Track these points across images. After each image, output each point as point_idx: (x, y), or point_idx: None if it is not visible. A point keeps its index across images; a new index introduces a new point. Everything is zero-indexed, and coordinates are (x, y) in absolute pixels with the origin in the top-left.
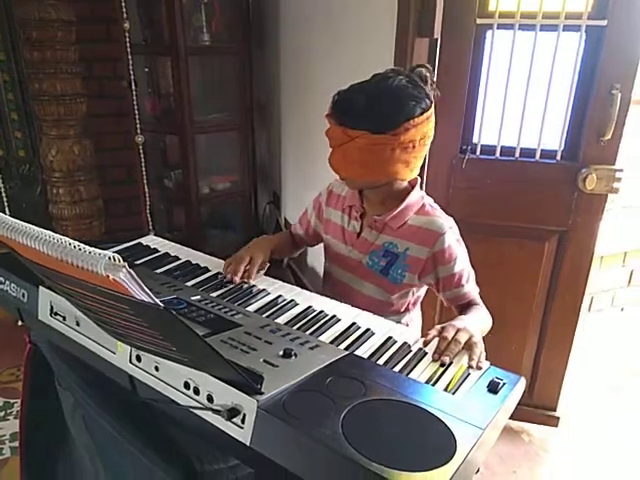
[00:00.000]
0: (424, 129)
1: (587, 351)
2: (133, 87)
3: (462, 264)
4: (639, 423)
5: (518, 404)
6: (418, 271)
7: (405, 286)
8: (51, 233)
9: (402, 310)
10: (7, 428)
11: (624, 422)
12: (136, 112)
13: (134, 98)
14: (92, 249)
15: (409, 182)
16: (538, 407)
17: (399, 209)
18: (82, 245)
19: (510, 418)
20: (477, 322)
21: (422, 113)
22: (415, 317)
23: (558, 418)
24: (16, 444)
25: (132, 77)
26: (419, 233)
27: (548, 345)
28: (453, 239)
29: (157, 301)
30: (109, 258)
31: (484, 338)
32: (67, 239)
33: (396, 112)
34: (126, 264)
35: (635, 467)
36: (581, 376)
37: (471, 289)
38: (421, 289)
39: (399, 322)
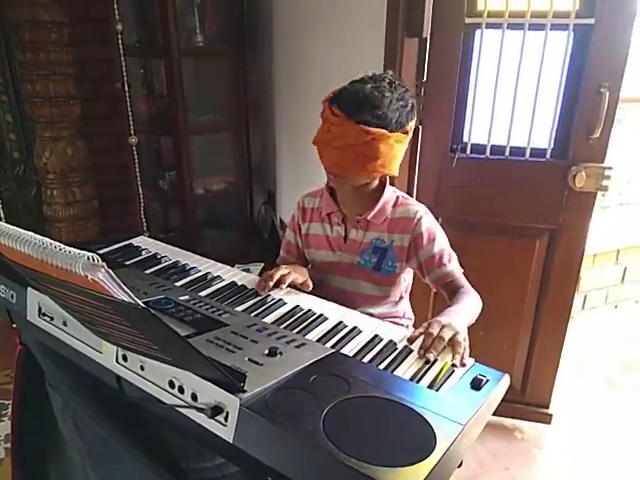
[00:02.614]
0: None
1: (581, 348)
2: (126, 88)
3: (441, 245)
4: (632, 419)
5: (511, 402)
6: (404, 258)
7: (396, 276)
8: (32, 234)
9: (397, 299)
10: (1, 429)
11: (617, 418)
12: (130, 113)
13: (127, 99)
14: (71, 249)
15: (380, 179)
16: (531, 404)
17: (379, 205)
18: (61, 245)
19: (503, 415)
20: (464, 312)
21: (415, 117)
22: (407, 305)
23: (551, 415)
24: (9, 445)
25: (125, 79)
26: (399, 223)
27: (540, 343)
28: (430, 223)
29: (137, 300)
30: (87, 258)
31: (472, 331)
32: (47, 240)
33: (405, 112)
34: (104, 264)
35: (628, 463)
36: (574, 373)
37: (454, 269)
38: (409, 275)
39: (396, 311)
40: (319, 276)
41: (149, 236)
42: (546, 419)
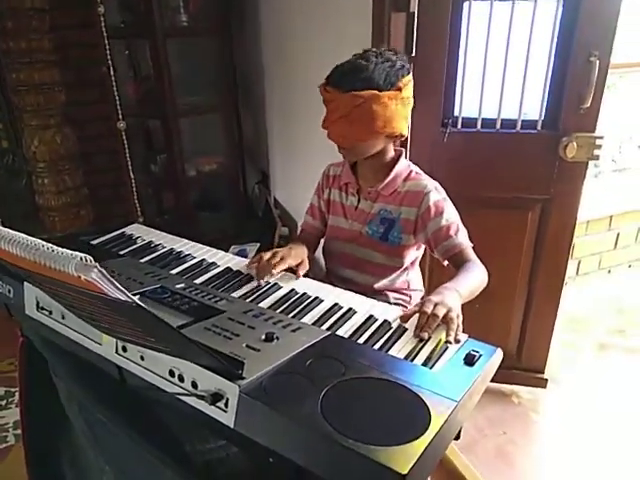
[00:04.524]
0: (411, 88)
1: (574, 313)
2: (112, 72)
3: (450, 218)
4: (625, 382)
5: (507, 368)
6: (412, 231)
7: (404, 247)
8: (24, 236)
9: (402, 270)
10: (10, 416)
11: (611, 381)
12: (117, 98)
13: (114, 84)
14: (63, 250)
15: (395, 152)
16: (527, 370)
17: (389, 178)
18: (54, 247)
19: (500, 382)
20: (461, 288)
21: (409, 73)
22: (414, 277)
23: (546, 380)
24: (19, 431)
25: (110, 62)
26: (407, 196)
27: (535, 310)
28: (438, 197)
29: (131, 298)
30: (80, 259)
31: (470, 305)
32: (39, 241)
33: (394, 70)
34: (97, 265)
35: (620, 425)
36: (568, 337)
37: (462, 241)
38: (419, 250)
39: (402, 282)
40: (334, 243)
41: (143, 221)
42: (542, 383)
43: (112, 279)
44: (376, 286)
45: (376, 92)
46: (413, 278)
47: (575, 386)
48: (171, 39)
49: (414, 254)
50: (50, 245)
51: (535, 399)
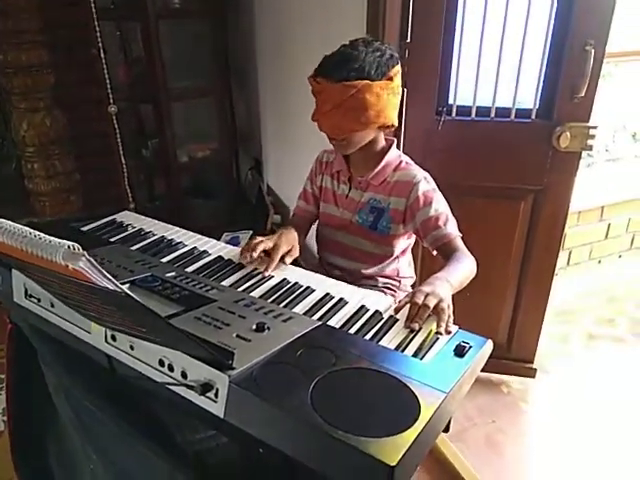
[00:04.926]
0: (400, 77)
1: (564, 302)
2: (102, 55)
3: (438, 208)
4: (613, 372)
5: (497, 357)
6: (401, 221)
7: (393, 236)
8: (11, 223)
9: (392, 258)
10: None
11: (600, 370)
12: (107, 81)
13: (104, 66)
14: (51, 238)
15: (386, 142)
16: (516, 360)
17: (379, 167)
18: (41, 235)
19: (489, 371)
20: (452, 278)
21: (398, 62)
22: (405, 265)
23: (535, 370)
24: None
25: (100, 44)
26: (397, 186)
27: (525, 301)
28: (427, 187)
29: (120, 287)
30: (68, 247)
31: (461, 293)
32: (27, 229)
33: (384, 60)
34: (85, 253)
35: (610, 413)
36: (558, 327)
37: (450, 232)
38: (409, 239)
39: (391, 270)
40: (325, 229)
41: (134, 207)
42: (531, 373)
43: (100, 268)
44: (365, 272)
45: (368, 82)
46: (403, 266)
47: (564, 376)
48: (163, 20)
49: (404, 243)
50: (37, 233)
51: (524, 389)
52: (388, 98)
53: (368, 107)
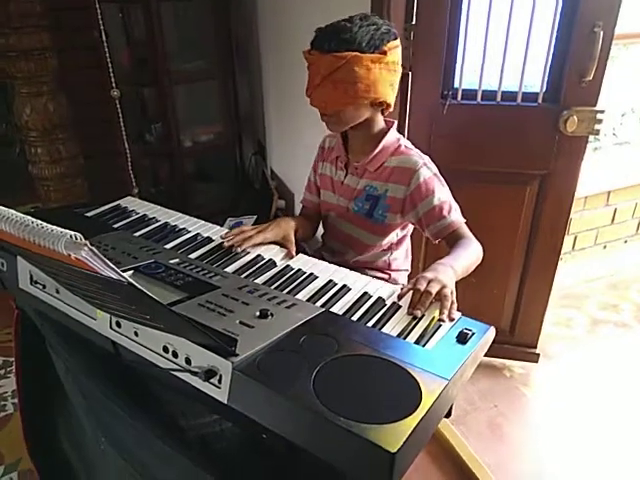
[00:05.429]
0: (398, 54)
1: (568, 287)
2: (104, 38)
3: (441, 196)
4: (616, 357)
5: (500, 342)
6: (399, 210)
7: (389, 226)
8: (14, 212)
9: (384, 249)
10: (8, 385)
11: (602, 355)
12: (110, 64)
13: (106, 50)
14: (53, 227)
15: (386, 124)
16: (519, 345)
17: (376, 151)
18: (43, 224)
19: (492, 356)
20: (456, 264)
21: (395, 38)
22: (400, 257)
23: (538, 355)
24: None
25: (102, 27)
26: (395, 173)
27: (529, 286)
28: (429, 174)
29: (123, 277)
30: (70, 236)
31: (466, 279)
32: (29, 217)
33: (379, 33)
34: (87, 242)
35: (611, 399)
36: (562, 312)
37: (455, 220)
38: (404, 229)
39: (383, 261)
40: (326, 216)
41: (138, 192)
42: (533, 358)
43: (103, 257)
44: (354, 262)
45: (357, 54)
46: (397, 258)
47: (566, 361)
48: (165, 2)
49: (399, 234)
50: (39, 222)
51: (526, 373)
52: (381, 73)
53: (357, 80)
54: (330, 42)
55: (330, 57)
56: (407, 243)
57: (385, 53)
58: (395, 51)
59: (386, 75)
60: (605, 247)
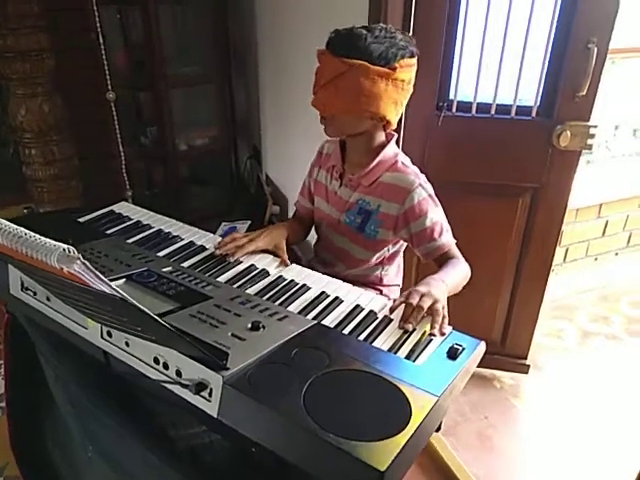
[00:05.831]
0: (411, 73)
1: (559, 299)
2: (101, 40)
3: (434, 218)
4: (608, 369)
5: (490, 353)
6: (391, 227)
7: (381, 242)
8: (6, 222)
9: (376, 264)
10: None
11: (593, 368)
12: (106, 67)
13: (103, 52)
14: (46, 240)
15: (386, 137)
16: (509, 356)
17: (372, 165)
18: (36, 235)
19: (482, 367)
20: (447, 280)
21: (411, 57)
22: (391, 272)
23: (528, 366)
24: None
25: (99, 29)
26: (390, 190)
27: (520, 298)
28: (424, 194)
29: (115, 289)
30: (63, 250)
31: (456, 295)
32: (22, 229)
33: (393, 48)
34: (80, 256)
35: (601, 411)
36: (553, 324)
37: (445, 242)
38: (396, 245)
39: (374, 275)
40: (319, 225)
41: (132, 195)
42: (524, 369)
43: (95, 271)
44: (346, 276)
45: (366, 64)
46: (389, 273)
47: (557, 372)
48: (163, 5)
49: (392, 249)
50: (32, 234)
51: (516, 384)
52: (386, 88)
53: (360, 90)
54: (342, 46)
55: (338, 61)
56: (399, 258)
57: (395, 69)
58: (407, 69)
59: (392, 92)
60: (596, 259)
